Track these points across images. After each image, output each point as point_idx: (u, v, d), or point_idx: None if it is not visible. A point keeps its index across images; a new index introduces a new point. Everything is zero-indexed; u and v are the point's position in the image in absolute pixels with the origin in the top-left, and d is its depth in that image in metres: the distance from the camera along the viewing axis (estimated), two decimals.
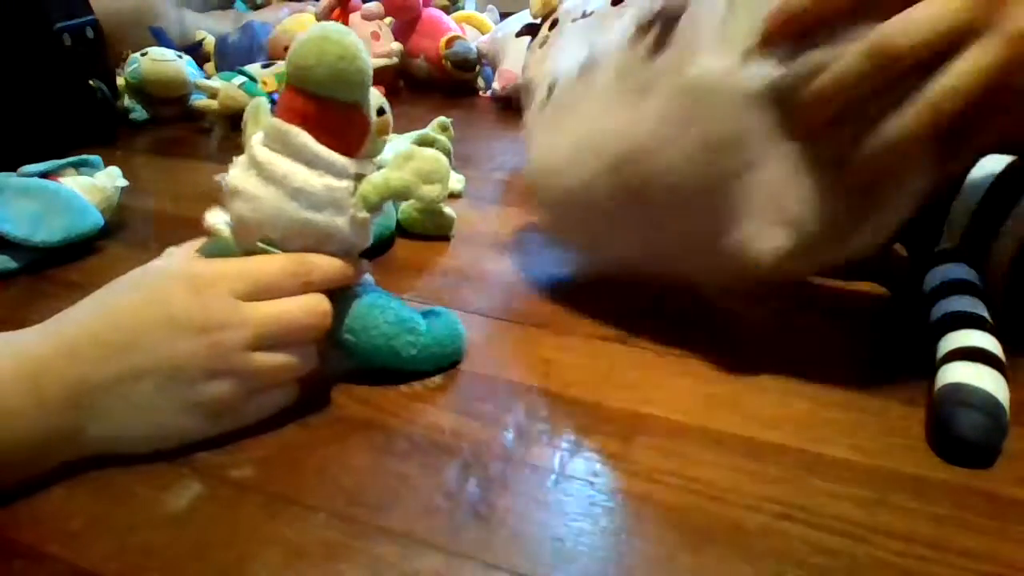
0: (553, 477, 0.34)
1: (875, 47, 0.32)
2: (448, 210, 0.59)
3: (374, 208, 0.38)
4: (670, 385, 0.41)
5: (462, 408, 0.39)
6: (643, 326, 0.46)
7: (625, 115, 0.38)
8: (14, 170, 0.56)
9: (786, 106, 0.34)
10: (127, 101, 0.87)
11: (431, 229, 0.59)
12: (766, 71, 0.34)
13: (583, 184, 0.41)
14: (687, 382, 0.41)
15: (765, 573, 0.29)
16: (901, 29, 0.31)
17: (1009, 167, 0.45)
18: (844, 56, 0.33)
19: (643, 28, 0.39)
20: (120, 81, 0.87)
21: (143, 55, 0.86)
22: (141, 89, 0.86)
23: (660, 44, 0.38)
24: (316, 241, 0.37)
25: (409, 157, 0.38)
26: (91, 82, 0.78)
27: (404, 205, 0.59)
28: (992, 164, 0.46)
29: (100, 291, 0.35)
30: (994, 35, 0.31)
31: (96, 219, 0.56)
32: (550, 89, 0.45)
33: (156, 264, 0.37)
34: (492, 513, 0.32)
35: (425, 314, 0.41)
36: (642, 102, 0.36)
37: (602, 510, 0.32)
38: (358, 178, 0.37)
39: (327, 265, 0.37)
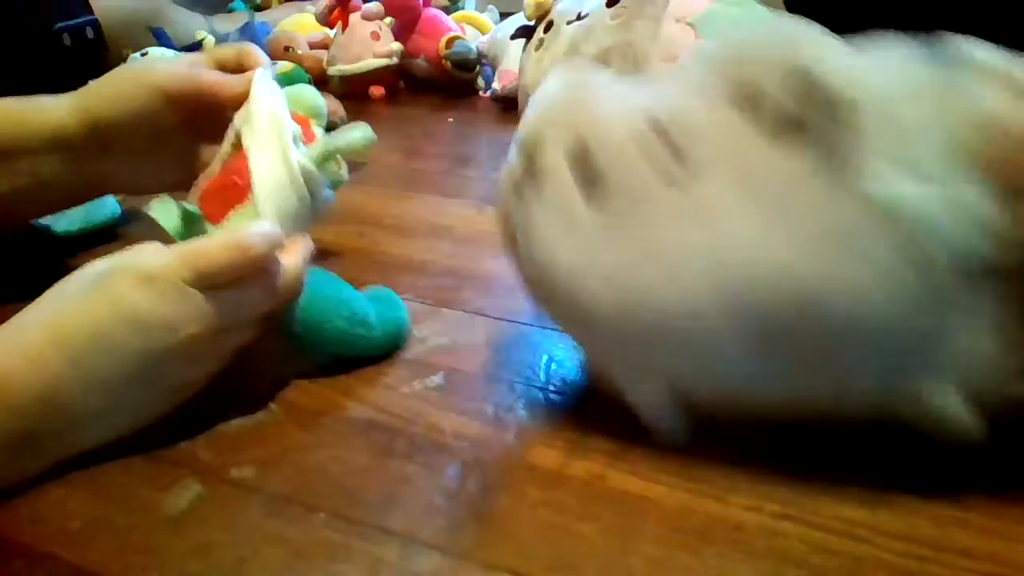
0: (553, 477, 0.34)
1: None
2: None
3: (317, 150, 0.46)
4: None
5: (462, 408, 0.39)
6: None
7: (758, 230, 0.30)
8: None
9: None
10: None
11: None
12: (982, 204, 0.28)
13: (684, 312, 0.32)
14: None
15: (765, 573, 0.29)
16: None
17: None
18: None
19: (790, 123, 0.30)
20: None
21: (143, 55, 0.86)
22: None
23: (819, 152, 0.29)
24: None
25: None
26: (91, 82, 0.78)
27: None
28: None
29: (54, 291, 0.35)
30: None
31: (113, 209, 0.59)
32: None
33: (102, 263, 0.36)
34: (492, 513, 0.32)
35: (370, 299, 0.42)
36: (786, 216, 0.30)
37: (602, 510, 0.32)
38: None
39: (262, 235, 0.36)
